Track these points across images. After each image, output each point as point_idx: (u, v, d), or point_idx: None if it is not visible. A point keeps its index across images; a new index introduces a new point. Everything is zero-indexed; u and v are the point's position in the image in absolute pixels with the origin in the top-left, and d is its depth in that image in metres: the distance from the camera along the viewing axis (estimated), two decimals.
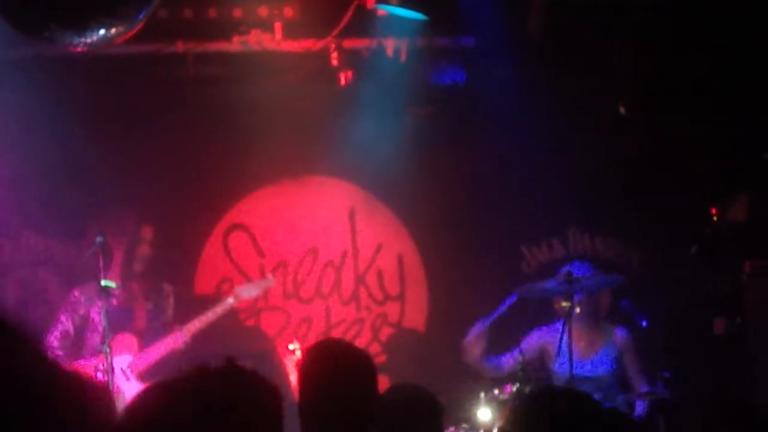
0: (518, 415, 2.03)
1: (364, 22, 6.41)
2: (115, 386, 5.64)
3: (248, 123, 6.79)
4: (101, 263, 5.44)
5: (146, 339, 6.07)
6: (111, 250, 5.94)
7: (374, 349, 7.17)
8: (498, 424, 5.61)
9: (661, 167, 6.94)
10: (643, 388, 6.14)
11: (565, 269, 6.03)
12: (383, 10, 6.15)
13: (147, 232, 6.14)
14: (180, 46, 6.50)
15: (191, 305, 6.41)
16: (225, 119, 6.86)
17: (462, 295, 7.01)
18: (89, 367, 5.75)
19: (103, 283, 5.44)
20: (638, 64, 6.56)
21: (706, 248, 6.60)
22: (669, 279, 6.78)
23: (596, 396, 5.94)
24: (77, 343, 6.07)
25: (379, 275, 7.22)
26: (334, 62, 6.57)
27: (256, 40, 6.48)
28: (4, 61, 6.21)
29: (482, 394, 5.69)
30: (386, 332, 7.23)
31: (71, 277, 6.51)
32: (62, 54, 5.99)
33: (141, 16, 4.06)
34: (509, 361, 6.21)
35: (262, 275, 7.13)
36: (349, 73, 6.62)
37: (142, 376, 5.95)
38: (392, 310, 7.24)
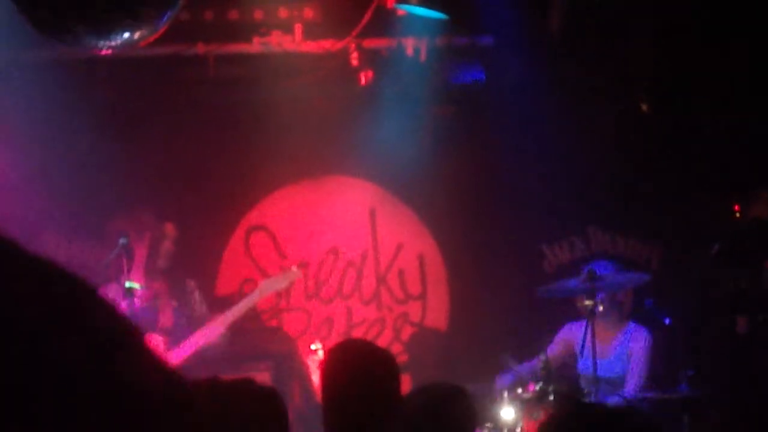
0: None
1: (383, 22, 6.41)
2: None
3: (268, 124, 6.81)
4: (125, 265, 5.43)
5: (173, 338, 5.98)
6: (134, 252, 5.92)
7: (396, 348, 7.17)
8: (521, 423, 5.60)
9: (682, 165, 6.92)
10: (629, 392, 6.06)
11: (587, 267, 6.02)
12: (403, 9, 6.15)
13: (169, 228, 6.08)
14: (201, 48, 6.53)
15: (213, 306, 6.42)
16: (245, 120, 6.88)
17: (483, 294, 7.01)
18: None
19: (127, 284, 5.43)
20: (659, 61, 6.54)
21: (728, 246, 6.57)
22: (691, 277, 6.76)
23: (615, 396, 5.99)
24: None
25: (401, 275, 7.23)
26: (354, 62, 6.58)
27: (276, 42, 6.50)
28: (26, 62, 6.25)
29: (505, 393, 5.68)
30: (408, 332, 7.23)
31: (92, 279, 6.53)
32: (83, 55, 6.02)
33: (164, 20, 4.08)
34: (530, 368, 6.19)
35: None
36: (369, 73, 6.63)
37: None
38: (414, 309, 7.24)
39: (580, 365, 6.12)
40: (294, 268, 6.29)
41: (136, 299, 5.89)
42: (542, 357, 5.77)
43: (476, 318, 7.02)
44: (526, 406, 5.61)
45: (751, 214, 6.72)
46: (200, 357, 5.88)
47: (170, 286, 6.08)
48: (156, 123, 6.75)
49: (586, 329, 5.81)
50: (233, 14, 6.42)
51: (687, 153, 6.89)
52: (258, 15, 6.45)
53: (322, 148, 6.96)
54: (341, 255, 7.18)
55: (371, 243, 7.20)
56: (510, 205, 7.06)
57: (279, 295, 7.11)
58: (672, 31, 6.46)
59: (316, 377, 6.31)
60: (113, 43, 4.08)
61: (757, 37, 6.31)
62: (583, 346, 5.86)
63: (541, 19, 6.53)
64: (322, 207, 7.18)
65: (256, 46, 6.53)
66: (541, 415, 5.55)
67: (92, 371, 0.87)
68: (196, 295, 6.17)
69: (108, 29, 3.90)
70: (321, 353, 6.12)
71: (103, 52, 4.16)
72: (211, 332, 5.86)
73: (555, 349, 6.21)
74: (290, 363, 6.91)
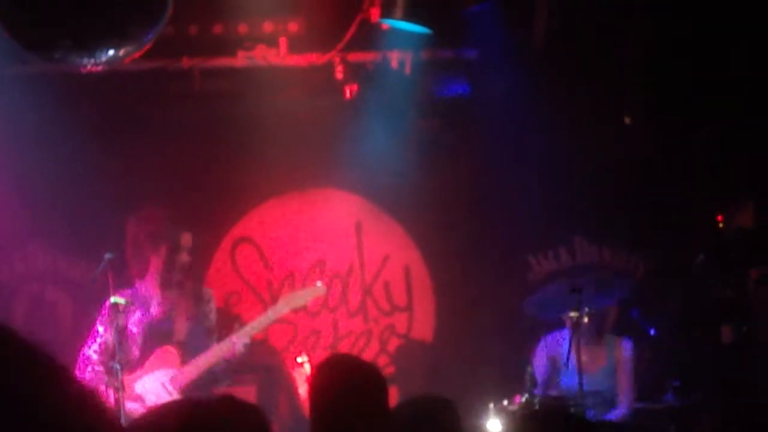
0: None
1: (368, 36, 6.43)
2: (155, 402, 5.38)
3: (254, 137, 6.82)
4: (111, 280, 5.41)
5: (188, 350, 5.77)
6: (131, 264, 5.79)
7: (382, 360, 7.18)
8: None
9: (666, 175, 6.95)
10: (622, 408, 6.07)
11: (567, 281, 6.03)
12: (387, 24, 6.18)
13: (186, 239, 5.86)
14: (186, 62, 6.54)
15: None
16: (231, 134, 6.89)
17: (469, 305, 7.03)
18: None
19: (112, 300, 5.40)
20: (642, 74, 6.59)
21: (712, 256, 6.61)
22: (676, 287, 6.79)
23: (600, 409, 6.00)
24: (113, 358, 5.71)
25: (386, 287, 7.24)
26: (339, 76, 6.60)
27: (261, 55, 6.52)
28: (14, 76, 6.25)
29: (491, 405, 5.69)
30: (394, 343, 7.24)
31: (81, 294, 6.53)
32: (69, 70, 6.02)
33: (149, 37, 4.10)
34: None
35: (270, 289, 7.16)
36: (354, 87, 6.65)
37: (185, 391, 5.64)
38: (400, 321, 7.26)
39: (564, 379, 6.12)
40: (319, 284, 6.13)
41: (152, 310, 5.76)
42: (528, 369, 5.79)
43: (462, 329, 7.03)
44: (512, 417, 5.62)
45: (734, 224, 6.76)
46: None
47: (186, 295, 5.86)
48: (141, 137, 6.76)
49: (570, 343, 5.82)
50: (218, 28, 6.44)
51: (671, 164, 6.93)
52: (243, 29, 6.46)
53: (307, 161, 6.98)
54: (327, 267, 7.19)
55: (357, 255, 7.22)
56: (495, 216, 7.08)
57: (265, 306, 7.11)
58: (654, 44, 6.51)
59: (302, 390, 6.31)
60: (99, 60, 4.09)
61: (739, 50, 6.36)
62: (567, 359, 5.87)
63: (525, 32, 6.57)
64: (308, 219, 7.19)
65: (241, 59, 6.54)
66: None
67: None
68: (212, 304, 6.01)
69: (94, 47, 3.91)
70: (307, 366, 6.11)
71: (89, 69, 4.17)
72: (229, 349, 5.67)
73: (539, 362, 6.21)
74: (276, 376, 6.91)
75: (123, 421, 4.97)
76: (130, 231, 5.80)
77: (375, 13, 6.14)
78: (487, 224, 7.09)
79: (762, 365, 6.43)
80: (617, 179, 7.01)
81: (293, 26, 6.48)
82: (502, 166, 6.94)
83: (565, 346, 6.04)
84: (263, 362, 6.88)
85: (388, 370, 7.16)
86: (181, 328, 5.80)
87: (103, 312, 5.63)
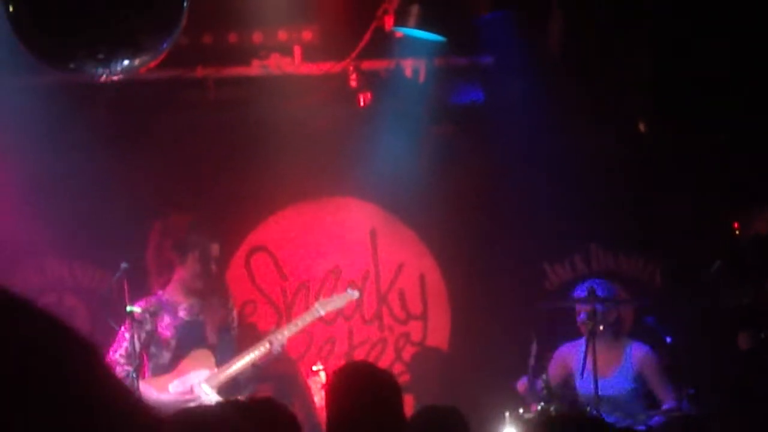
0: None
1: (382, 44, 6.44)
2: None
3: (268, 146, 6.83)
4: (126, 289, 5.44)
5: (218, 355, 5.79)
6: (149, 273, 5.78)
7: (398, 368, 7.17)
8: None
9: (682, 182, 6.92)
10: (668, 404, 6.10)
11: (584, 287, 6.02)
12: (401, 32, 6.18)
13: (215, 250, 5.88)
14: (200, 72, 6.56)
15: None
16: (245, 143, 6.90)
17: (485, 313, 7.01)
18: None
19: (128, 308, 5.42)
20: (658, 81, 6.57)
21: (729, 263, 6.58)
22: (692, 294, 6.76)
23: (616, 415, 6.00)
24: (144, 360, 5.78)
25: (401, 295, 7.23)
26: (353, 84, 6.61)
27: (275, 64, 6.53)
28: (29, 87, 6.28)
29: (507, 414, 5.68)
30: (409, 351, 7.23)
31: (97, 303, 6.54)
32: (84, 80, 6.04)
33: (164, 47, 4.11)
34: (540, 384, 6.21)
35: (285, 297, 7.16)
36: (368, 95, 6.66)
37: (222, 391, 5.66)
38: (415, 329, 7.24)
39: (579, 385, 6.11)
40: (350, 290, 6.21)
41: (181, 314, 5.74)
42: (543, 377, 5.78)
43: (477, 337, 7.01)
44: (528, 426, 5.61)
45: (751, 231, 6.73)
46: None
47: (213, 304, 5.88)
48: (156, 146, 6.78)
49: (586, 348, 5.81)
50: (232, 37, 6.45)
51: (687, 171, 6.90)
52: (257, 38, 6.48)
53: (321, 169, 6.98)
54: (342, 275, 7.18)
55: (372, 263, 7.21)
56: (511, 224, 7.06)
57: (280, 315, 7.12)
58: (670, 50, 6.49)
59: (317, 398, 6.31)
60: (114, 70, 4.11)
61: (756, 54, 6.33)
62: (583, 366, 5.85)
63: (540, 38, 6.56)
64: (323, 228, 7.19)
65: (255, 68, 6.56)
66: None
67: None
68: (234, 313, 6.04)
69: (109, 57, 3.93)
70: (323, 374, 6.12)
71: (104, 80, 4.19)
72: (270, 345, 5.69)
73: (553, 370, 6.20)
74: (292, 384, 6.91)
75: None
76: (154, 239, 5.80)
77: (389, 21, 6.15)
78: (502, 232, 7.07)
79: None
80: (633, 186, 6.99)
81: (307, 35, 6.49)
82: (517, 174, 6.93)
83: (581, 354, 6.04)
84: (279, 371, 6.87)
85: (404, 378, 7.14)
86: (212, 332, 5.78)
87: (129, 318, 5.59)
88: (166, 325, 5.68)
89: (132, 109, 6.63)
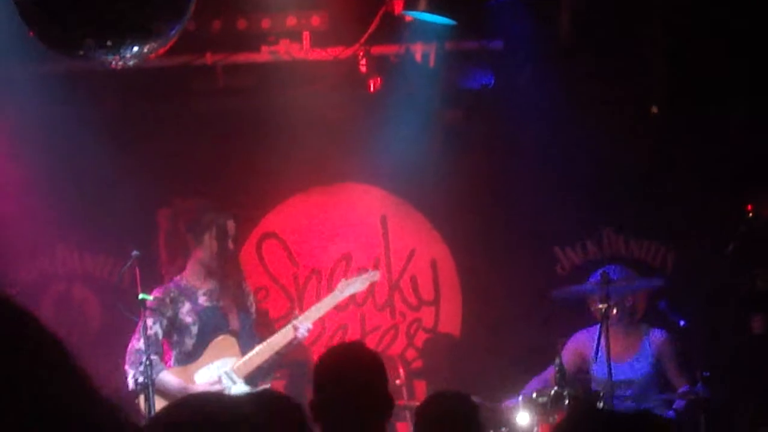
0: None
1: (391, 29, 6.41)
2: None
3: (278, 132, 6.80)
4: (138, 277, 5.40)
5: (242, 341, 5.67)
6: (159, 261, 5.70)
7: (410, 354, 7.16)
8: (537, 428, 5.59)
9: (694, 165, 6.89)
10: (684, 388, 6.09)
11: (598, 272, 6.00)
12: (411, 16, 6.15)
13: (231, 227, 5.71)
14: (209, 58, 6.53)
15: None
16: (254, 129, 6.88)
17: (497, 298, 6.99)
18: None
19: (140, 296, 5.38)
20: (669, 62, 6.53)
21: (742, 246, 6.54)
22: (706, 278, 6.73)
23: (633, 399, 5.99)
24: (166, 348, 5.68)
25: (413, 281, 7.21)
26: (363, 69, 6.58)
27: (284, 50, 6.50)
28: (36, 75, 6.27)
29: (520, 398, 5.67)
30: (421, 337, 7.22)
31: (108, 292, 6.55)
32: (93, 68, 6.03)
33: (173, 32, 4.09)
34: (549, 374, 6.19)
35: (296, 283, 7.15)
36: (378, 80, 6.62)
37: (249, 379, 5.59)
38: (427, 315, 7.23)
39: (594, 369, 6.10)
40: (371, 271, 6.11)
41: (200, 300, 5.63)
42: (557, 361, 5.76)
43: (490, 322, 7.00)
44: (542, 410, 5.59)
45: (765, 214, 6.69)
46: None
47: (231, 285, 5.75)
48: (165, 134, 6.76)
49: (599, 333, 5.79)
50: (241, 24, 6.42)
51: (699, 153, 6.86)
52: (266, 24, 6.45)
53: (332, 155, 6.96)
54: (353, 262, 7.17)
55: (383, 249, 7.19)
56: (522, 209, 7.03)
57: (292, 301, 7.11)
58: (682, 31, 6.44)
59: None
60: (123, 57, 4.09)
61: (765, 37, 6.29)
62: (597, 351, 5.83)
63: (550, 21, 6.51)
64: (333, 214, 7.18)
65: (264, 55, 6.53)
66: (556, 419, 5.54)
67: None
68: (252, 297, 5.92)
69: (118, 43, 3.92)
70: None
71: (113, 66, 4.18)
72: (295, 330, 5.61)
73: (567, 358, 6.18)
74: (305, 371, 6.89)
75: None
76: (165, 225, 5.71)
77: (398, 6, 6.12)
78: (514, 217, 7.05)
79: None
80: (645, 170, 6.95)
81: (316, 20, 6.46)
82: (528, 158, 6.90)
83: (592, 341, 6.02)
84: (292, 357, 6.86)
85: (416, 365, 7.15)
86: (234, 317, 5.66)
87: (150, 304, 5.50)
88: (187, 312, 5.57)
89: (141, 96, 6.61)
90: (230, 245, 5.69)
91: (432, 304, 7.24)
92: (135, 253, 5.41)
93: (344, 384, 3.35)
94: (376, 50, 6.58)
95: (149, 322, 5.47)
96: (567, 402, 5.52)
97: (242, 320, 5.72)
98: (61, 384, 1.01)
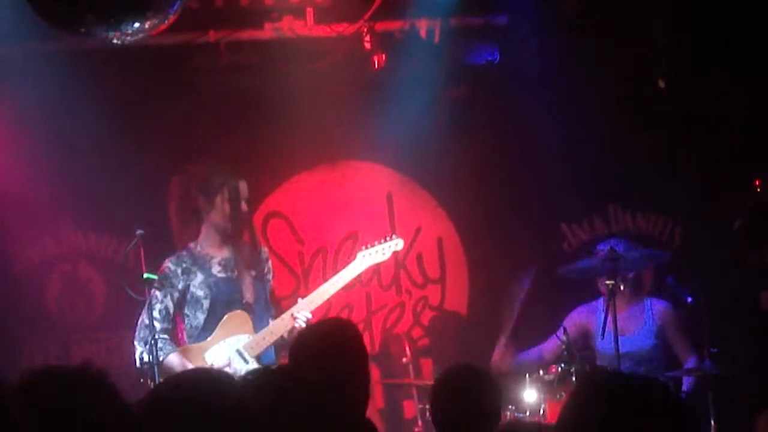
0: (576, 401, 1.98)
1: (396, 4, 6.39)
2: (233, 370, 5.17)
3: (281, 110, 6.76)
4: (143, 256, 5.35)
5: (256, 314, 5.47)
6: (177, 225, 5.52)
7: (416, 332, 7.15)
8: (544, 405, 5.58)
9: (701, 140, 6.85)
10: (690, 362, 6.07)
11: (603, 247, 5.97)
12: None
13: (243, 188, 5.52)
14: (212, 36, 6.49)
15: None
16: (258, 107, 6.83)
17: (503, 275, 6.96)
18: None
19: (145, 276, 5.33)
20: (676, 36, 6.47)
21: (750, 221, 6.51)
22: (713, 254, 6.70)
23: (639, 372, 5.97)
24: (175, 326, 5.49)
25: (419, 259, 7.18)
26: (367, 46, 6.53)
27: (288, 27, 6.46)
28: (38, 54, 6.23)
29: (527, 375, 5.66)
30: (428, 315, 7.20)
31: (113, 271, 6.52)
32: (95, 46, 5.99)
33: (175, 8, 4.06)
34: (550, 346, 6.17)
35: (302, 262, 7.13)
36: (383, 57, 6.58)
37: (261, 358, 5.42)
38: (433, 293, 7.21)
39: (600, 345, 6.08)
40: (394, 237, 5.85)
41: (214, 270, 5.44)
42: (563, 338, 5.74)
43: (496, 300, 6.97)
44: (549, 387, 5.59)
45: None
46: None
47: (246, 249, 5.54)
48: (168, 112, 6.71)
49: (606, 309, 5.76)
50: (244, 0, 6.38)
51: (707, 128, 6.82)
52: (269, 0, 6.40)
53: (336, 133, 6.92)
54: (359, 240, 7.13)
55: (389, 227, 7.16)
56: (528, 185, 7.00)
57: (298, 280, 7.09)
58: (687, 5, 6.39)
59: None
60: (125, 34, 4.06)
61: None
62: (604, 325, 5.81)
63: None
64: (339, 192, 7.14)
65: (267, 31, 6.49)
66: (563, 396, 5.53)
67: None
68: (270, 263, 5.71)
69: (118, 20, 3.88)
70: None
71: (114, 43, 4.14)
72: (305, 307, 5.43)
73: (572, 333, 6.17)
74: None
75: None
76: (176, 191, 5.56)
77: None
78: (520, 193, 7.02)
79: None
80: (651, 145, 6.91)
81: None
82: (534, 134, 6.86)
83: (600, 316, 6.00)
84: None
85: (422, 343, 7.13)
86: (248, 287, 5.46)
87: (161, 276, 5.39)
88: (198, 284, 5.41)
89: (144, 74, 6.57)
90: (243, 207, 5.50)
91: (438, 282, 7.22)
92: (139, 232, 5.35)
93: (318, 362, 3.33)
94: (381, 26, 6.53)
95: (159, 295, 5.36)
96: (574, 379, 5.51)
97: (257, 291, 5.52)
98: None
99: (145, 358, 5.22)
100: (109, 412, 1.69)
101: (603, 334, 5.83)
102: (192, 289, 5.41)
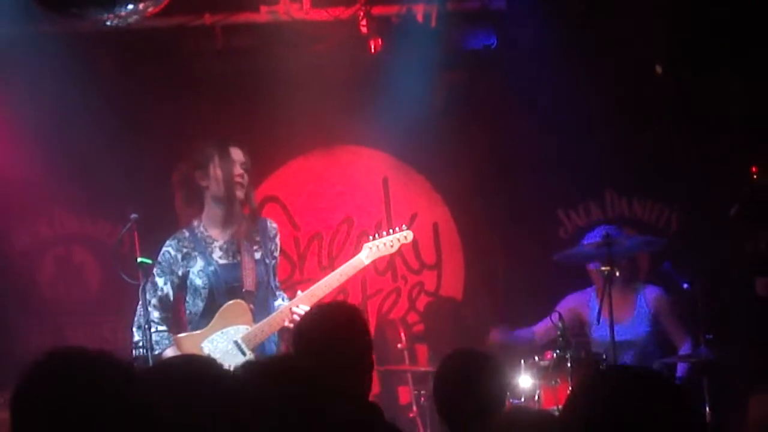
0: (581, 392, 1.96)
1: None
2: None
3: (278, 94, 6.73)
4: (137, 240, 5.29)
5: (257, 302, 5.28)
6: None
7: (412, 318, 7.14)
8: (539, 391, 5.57)
9: (698, 126, 6.83)
10: (685, 348, 6.07)
11: (596, 233, 5.95)
12: None
13: (237, 153, 5.28)
14: (207, 19, 6.46)
15: None
16: (254, 91, 6.81)
17: (498, 261, 6.95)
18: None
19: (139, 260, 5.26)
20: (674, 22, 6.45)
21: (746, 207, 6.49)
22: (710, 240, 6.69)
23: (634, 359, 5.96)
24: (177, 311, 5.34)
25: (415, 244, 7.12)
26: (364, 30, 6.50)
27: (284, 10, 6.42)
28: (32, 37, 6.19)
29: (522, 362, 5.64)
30: (423, 301, 7.19)
31: (107, 255, 6.48)
32: (90, 30, 5.96)
33: None
34: (542, 329, 6.16)
35: (297, 247, 7.11)
36: (379, 41, 6.54)
37: (263, 350, 5.24)
38: (429, 278, 7.20)
39: (595, 332, 6.07)
40: (404, 228, 5.63)
41: (215, 255, 5.26)
42: (558, 324, 5.72)
43: (492, 286, 6.97)
44: (544, 373, 5.57)
45: None
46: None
47: (250, 227, 5.31)
48: (163, 96, 6.68)
49: (603, 295, 5.75)
50: None
51: (703, 115, 6.80)
52: None
53: (332, 117, 6.89)
54: (355, 225, 7.12)
55: (384, 212, 7.15)
56: (524, 171, 6.98)
57: (293, 266, 7.07)
58: None
59: None
60: (118, 16, 4.02)
61: None
62: (599, 313, 5.80)
63: None
64: (334, 177, 7.12)
65: (263, 15, 6.45)
66: (558, 383, 5.52)
67: None
68: (278, 241, 5.45)
69: (112, 1, 3.85)
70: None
71: (108, 25, 4.11)
72: (336, 278, 5.32)
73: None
74: None
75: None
76: (177, 179, 5.36)
77: None
78: (516, 179, 7.00)
79: None
80: (648, 131, 6.89)
81: None
82: (531, 119, 6.84)
83: (592, 303, 5.99)
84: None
85: (418, 328, 7.12)
86: (249, 273, 5.27)
87: (160, 261, 5.26)
88: (198, 272, 5.26)
89: (138, 58, 6.54)
90: (237, 170, 5.26)
91: (434, 267, 7.21)
92: (134, 215, 5.28)
93: (320, 346, 3.29)
94: (377, 10, 6.50)
95: (159, 282, 5.26)
96: (569, 365, 5.50)
97: (259, 276, 5.31)
98: None
99: (140, 351, 5.08)
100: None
101: (598, 320, 5.82)
102: (191, 276, 5.28)
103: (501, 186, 7.00)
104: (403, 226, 5.69)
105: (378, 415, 3.25)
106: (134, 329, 5.22)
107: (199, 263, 5.27)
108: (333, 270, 6.37)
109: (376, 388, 6.91)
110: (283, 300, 5.41)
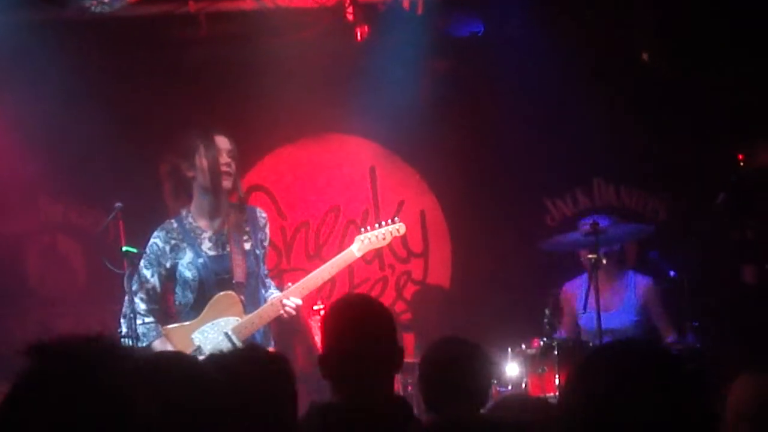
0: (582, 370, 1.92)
1: None
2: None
3: (264, 82, 6.70)
4: (122, 229, 5.24)
5: (248, 292, 5.21)
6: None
7: (399, 307, 7.13)
8: (526, 379, 5.57)
9: (685, 114, 6.83)
10: (671, 338, 6.08)
11: (586, 221, 5.95)
12: None
13: (222, 141, 5.18)
14: (192, 6, 6.42)
15: None
16: (239, 79, 6.77)
17: (486, 250, 6.94)
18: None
19: (124, 248, 5.22)
20: (661, 10, 6.44)
21: (733, 195, 6.50)
22: (697, 228, 6.69)
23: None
24: (165, 302, 5.26)
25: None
26: (350, 17, 6.46)
27: None
28: (15, 25, 6.14)
29: (509, 349, 5.64)
30: (411, 290, 7.18)
31: (92, 244, 6.46)
32: (73, 18, 5.91)
33: None
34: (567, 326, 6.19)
35: (284, 236, 7.08)
36: (365, 28, 6.51)
37: (247, 342, 5.07)
38: (416, 267, 7.19)
39: (583, 320, 6.08)
40: (396, 220, 5.55)
41: (204, 246, 5.19)
42: (546, 312, 5.72)
43: (479, 274, 6.96)
44: (531, 361, 5.57)
45: (756, 164, 6.64)
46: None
47: (239, 217, 5.25)
48: (148, 84, 6.64)
49: (589, 283, 5.75)
50: None
51: (691, 103, 6.80)
52: None
53: (319, 106, 6.86)
54: (342, 214, 7.11)
55: (372, 201, 7.13)
56: (511, 159, 6.97)
57: (280, 255, 7.05)
58: None
59: (318, 338, 6.25)
60: (101, 2, 3.99)
61: None
62: (586, 301, 5.80)
63: None
64: (321, 166, 7.10)
65: (248, 2, 6.42)
66: (546, 370, 5.51)
67: None
68: (267, 230, 5.38)
69: None
70: (323, 313, 5.94)
71: (93, 12, 4.07)
72: (326, 271, 5.26)
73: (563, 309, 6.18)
74: (292, 324, 6.85)
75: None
76: (164, 170, 5.24)
77: None
78: (504, 167, 6.99)
79: None
80: (635, 119, 6.88)
81: None
82: (518, 107, 6.82)
83: (580, 291, 5.99)
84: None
85: (405, 317, 7.11)
86: (239, 264, 5.20)
87: (148, 252, 5.18)
88: (186, 264, 5.19)
89: (123, 46, 6.49)
90: (223, 158, 5.18)
91: (421, 256, 7.19)
92: (118, 204, 5.24)
93: (351, 337, 3.26)
94: None
95: (147, 274, 5.20)
96: (556, 353, 5.49)
97: (249, 267, 5.25)
98: None
99: (127, 339, 5.05)
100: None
101: (585, 308, 5.81)
102: (180, 268, 5.21)
103: (488, 174, 6.99)
104: (396, 218, 5.64)
105: (409, 410, 3.23)
106: (122, 320, 5.18)
107: (189, 255, 5.20)
108: (320, 258, 6.37)
109: None
110: (273, 290, 5.37)
